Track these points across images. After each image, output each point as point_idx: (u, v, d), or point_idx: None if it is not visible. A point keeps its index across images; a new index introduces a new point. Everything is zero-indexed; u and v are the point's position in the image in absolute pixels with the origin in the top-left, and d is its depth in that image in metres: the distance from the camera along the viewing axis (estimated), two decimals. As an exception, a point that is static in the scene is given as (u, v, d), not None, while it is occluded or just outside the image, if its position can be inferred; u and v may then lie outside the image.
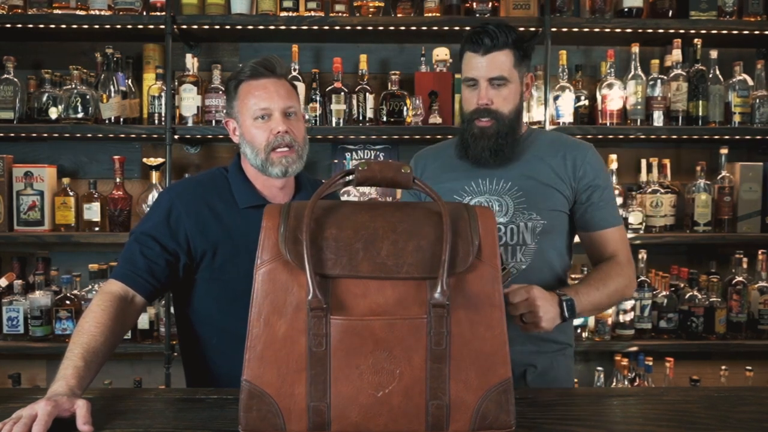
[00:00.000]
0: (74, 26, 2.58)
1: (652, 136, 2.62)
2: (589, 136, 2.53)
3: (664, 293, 2.62)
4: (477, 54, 1.57)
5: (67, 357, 1.23)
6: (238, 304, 1.49)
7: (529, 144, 1.67)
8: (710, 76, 2.64)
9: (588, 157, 1.64)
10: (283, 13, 2.60)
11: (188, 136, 2.62)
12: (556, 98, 2.62)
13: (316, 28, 2.57)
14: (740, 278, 2.65)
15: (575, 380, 2.53)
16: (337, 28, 2.57)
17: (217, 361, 1.54)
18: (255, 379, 0.95)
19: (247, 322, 1.43)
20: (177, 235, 1.48)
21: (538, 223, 1.61)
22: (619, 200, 2.60)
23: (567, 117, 2.62)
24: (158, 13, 2.56)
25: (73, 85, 2.60)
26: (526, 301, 1.37)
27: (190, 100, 2.58)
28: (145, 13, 2.59)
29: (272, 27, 2.57)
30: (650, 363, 2.50)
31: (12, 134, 2.61)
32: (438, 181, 1.67)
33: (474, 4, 2.61)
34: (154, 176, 2.67)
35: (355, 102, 2.63)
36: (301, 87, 2.61)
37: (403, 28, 2.59)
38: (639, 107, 2.63)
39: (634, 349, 2.58)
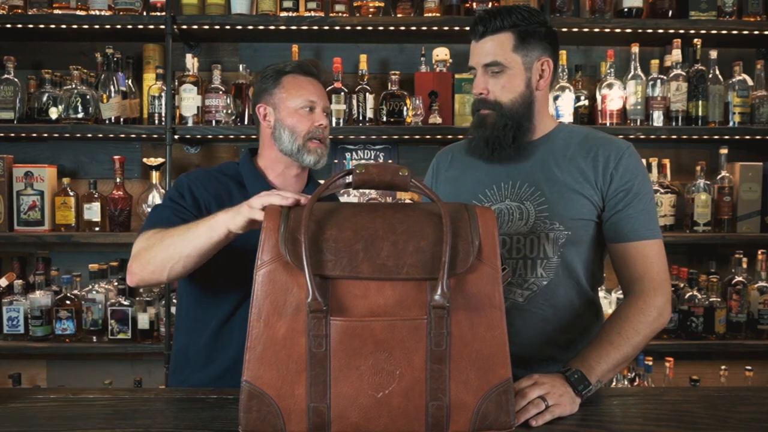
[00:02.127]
0: (74, 26, 2.58)
1: (652, 136, 2.62)
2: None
3: (663, 293, 2.62)
4: (474, 41, 1.47)
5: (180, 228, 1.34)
6: (231, 284, 1.53)
7: (557, 141, 1.49)
8: (710, 76, 2.65)
9: (623, 158, 1.43)
10: (283, 13, 2.60)
11: (188, 136, 2.62)
12: (555, 98, 2.62)
13: (316, 28, 2.57)
14: (740, 278, 2.65)
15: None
16: (337, 28, 2.57)
17: (215, 343, 1.57)
18: (255, 379, 0.95)
19: (243, 304, 1.48)
20: (198, 204, 1.55)
21: (561, 234, 1.42)
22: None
23: (567, 117, 2.62)
24: (158, 13, 2.56)
25: (73, 85, 2.60)
26: (534, 384, 1.15)
27: (190, 100, 2.58)
28: (145, 13, 2.59)
29: (272, 27, 2.57)
30: (650, 363, 2.50)
31: (12, 134, 2.61)
32: (458, 182, 1.56)
33: (474, 4, 2.61)
34: (154, 176, 2.67)
35: (355, 102, 2.63)
36: (301, 87, 2.61)
37: (403, 28, 2.59)
38: (639, 107, 2.63)
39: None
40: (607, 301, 2.62)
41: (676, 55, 2.64)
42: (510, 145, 1.45)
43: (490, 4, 2.61)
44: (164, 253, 1.35)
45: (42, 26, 2.58)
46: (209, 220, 1.29)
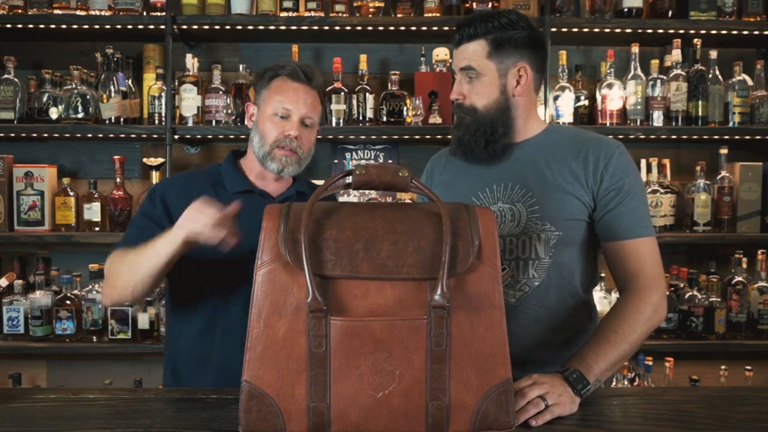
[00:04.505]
0: (74, 26, 2.58)
1: (652, 136, 2.62)
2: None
3: (663, 293, 2.62)
4: (454, 47, 1.50)
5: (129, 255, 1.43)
6: (223, 288, 1.54)
7: (548, 143, 1.50)
8: (710, 76, 2.65)
9: (613, 157, 1.43)
10: (283, 13, 2.60)
11: (188, 136, 2.62)
12: (555, 98, 2.62)
13: (316, 28, 2.57)
14: (740, 278, 2.65)
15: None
16: (337, 28, 2.57)
17: (203, 347, 1.56)
18: (255, 379, 0.95)
19: (231, 305, 1.53)
20: (170, 216, 1.53)
21: (553, 234, 1.43)
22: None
23: (567, 117, 2.62)
24: (158, 13, 2.56)
25: (74, 85, 2.60)
26: (533, 384, 1.16)
27: (190, 100, 2.58)
28: (145, 13, 2.59)
29: (272, 27, 2.57)
30: (650, 363, 2.50)
31: (12, 134, 2.61)
32: (452, 186, 1.56)
33: (474, 4, 2.61)
34: (154, 176, 2.67)
35: (355, 102, 2.64)
36: (301, 87, 2.61)
37: (403, 28, 2.59)
38: (639, 107, 2.63)
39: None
40: (607, 301, 2.62)
41: (676, 55, 2.64)
42: (482, 149, 1.47)
43: (490, 5, 2.61)
44: (124, 278, 1.44)
45: (42, 26, 2.58)
46: (155, 245, 1.36)
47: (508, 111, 1.48)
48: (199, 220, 1.29)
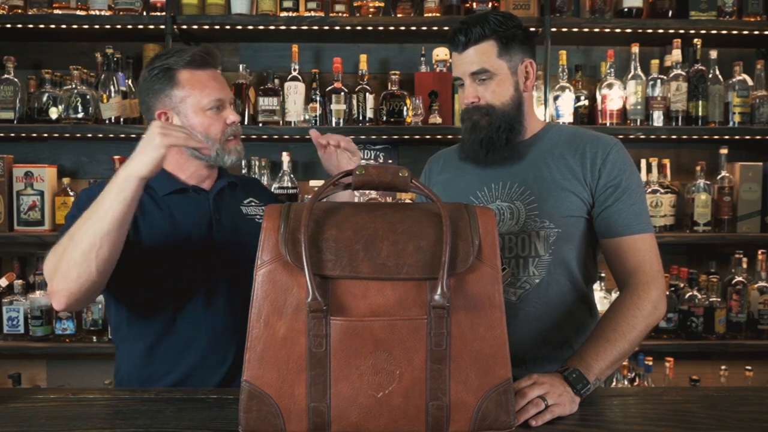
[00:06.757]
0: (74, 26, 2.58)
1: (652, 136, 2.62)
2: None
3: (663, 293, 2.62)
4: (457, 52, 1.47)
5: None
6: (165, 293, 1.48)
7: (546, 141, 1.51)
8: (710, 76, 2.65)
9: (610, 154, 1.44)
10: (283, 13, 2.60)
11: (188, 136, 2.61)
12: (555, 98, 2.62)
13: (316, 28, 2.57)
14: (740, 278, 2.65)
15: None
16: (337, 28, 2.57)
17: (145, 358, 1.49)
18: (255, 379, 0.95)
19: (171, 309, 1.47)
20: None
21: (552, 231, 1.43)
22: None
23: (567, 117, 2.62)
24: (158, 13, 2.56)
25: (74, 85, 2.60)
26: (533, 384, 1.16)
27: (190, 100, 2.58)
28: (145, 13, 2.59)
29: (272, 27, 2.57)
30: (650, 363, 2.51)
31: (12, 134, 2.61)
32: (450, 185, 1.57)
33: (474, 4, 2.61)
34: (154, 176, 2.66)
35: (355, 102, 2.63)
36: (301, 87, 2.62)
37: (403, 28, 2.59)
38: (639, 107, 2.63)
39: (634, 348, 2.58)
40: (607, 301, 2.62)
41: (676, 55, 2.64)
42: (503, 147, 1.47)
43: (490, 5, 2.61)
44: (81, 247, 1.24)
45: (42, 26, 2.58)
46: (112, 184, 1.23)
47: (521, 107, 1.49)
48: (153, 144, 1.22)
